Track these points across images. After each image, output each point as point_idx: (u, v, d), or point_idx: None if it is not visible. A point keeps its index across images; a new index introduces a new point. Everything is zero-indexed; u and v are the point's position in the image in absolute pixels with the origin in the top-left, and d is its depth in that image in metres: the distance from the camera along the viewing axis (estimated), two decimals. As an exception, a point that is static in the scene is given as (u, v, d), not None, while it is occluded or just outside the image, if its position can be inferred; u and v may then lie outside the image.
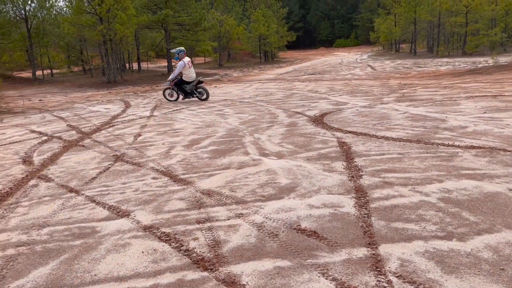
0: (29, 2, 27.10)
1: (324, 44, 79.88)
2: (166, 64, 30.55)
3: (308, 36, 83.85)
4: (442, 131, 6.17)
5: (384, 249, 2.78)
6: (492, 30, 30.01)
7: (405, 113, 8.04)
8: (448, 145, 5.29)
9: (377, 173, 4.38)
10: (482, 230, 2.95)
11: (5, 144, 7.23)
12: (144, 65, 35.04)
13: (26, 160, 5.96)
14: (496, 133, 5.82)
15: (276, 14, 48.45)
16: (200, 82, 12.40)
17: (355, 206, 3.55)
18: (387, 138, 5.95)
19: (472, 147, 5.12)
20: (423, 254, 2.68)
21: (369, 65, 26.06)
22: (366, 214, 3.37)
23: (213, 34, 33.86)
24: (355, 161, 4.88)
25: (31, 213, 3.84)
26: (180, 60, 11.84)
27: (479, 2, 28.81)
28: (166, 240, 3.12)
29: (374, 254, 2.72)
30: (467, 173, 4.17)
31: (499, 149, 4.94)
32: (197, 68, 35.54)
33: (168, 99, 12.58)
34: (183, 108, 10.94)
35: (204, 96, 12.46)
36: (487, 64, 19.81)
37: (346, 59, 35.36)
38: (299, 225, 3.23)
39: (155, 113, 10.30)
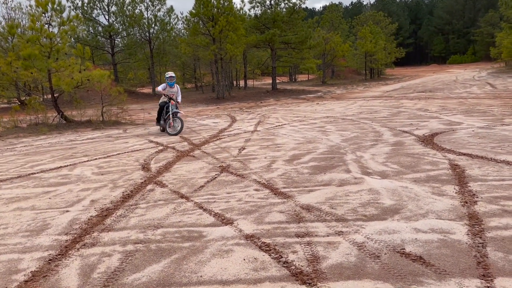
0: (153, 26, 30.23)
1: (436, 60, 75.28)
2: (270, 81, 31.47)
3: (419, 52, 79.82)
4: None
5: (501, 282, 2.52)
6: None
7: (531, 136, 7.18)
8: None
9: (495, 200, 3.98)
10: None
11: (128, 152, 8.10)
12: (250, 82, 36.54)
13: (145, 167, 6.60)
14: None
15: (384, 30, 47.08)
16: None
17: (468, 234, 3.27)
18: (508, 163, 5.38)
19: None
20: (550, 294, 2.37)
21: (489, 83, 23.80)
22: (480, 243, 3.09)
23: (318, 51, 34.06)
24: (470, 186, 4.50)
25: (148, 214, 4.24)
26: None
27: None
28: (266, 250, 3.22)
29: (488, 287, 2.48)
30: None
31: None
32: (301, 85, 36.01)
33: (169, 133, 10.43)
34: (285, 124, 11.15)
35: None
36: None
37: (462, 76, 32.76)
38: (403, 249, 3.08)
39: (258, 128, 10.67)
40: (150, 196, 4.90)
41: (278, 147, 7.71)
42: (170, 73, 10.96)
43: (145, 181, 5.65)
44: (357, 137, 8.31)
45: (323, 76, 37.82)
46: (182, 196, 4.79)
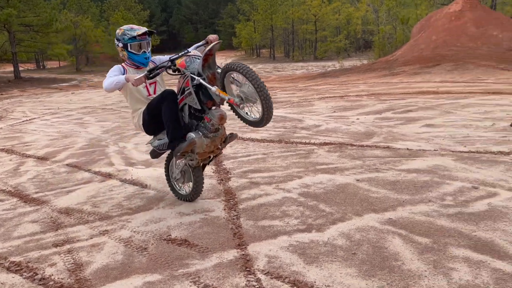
0: None
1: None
2: (12, 69, 27.11)
3: (173, 40, 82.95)
4: (300, 131, 6.68)
5: (252, 248, 2.88)
6: (337, 37, 33.81)
7: (267, 114, 8.50)
8: (305, 143, 5.76)
9: (244, 174, 4.53)
10: (336, 220, 3.27)
11: None
12: (-17, 70, 30.58)
13: None
14: (344, 130, 6.54)
15: (137, 17, 46.79)
16: None
17: (224, 209, 3.61)
18: (252, 140, 6.21)
19: (325, 144, 5.66)
20: (287, 249, 2.85)
21: (234, 69, 26.94)
22: (235, 215, 3.46)
23: (67, 36, 31.24)
24: (224, 164, 4.97)
25: None
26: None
27: (325, 12, 32.27)
28: (16, 270, 2.75)
29: (243, 254, 2.80)
30: (322, 168, 4.59)
31: (347, 144, 5.56)
32: (51, 73, 32.39)
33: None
34: (34, 118, 9.83)
35: None
36: (334, 68, 22.20)
37: (211, 63, 35.98)
38: (170, 235, 3.16)
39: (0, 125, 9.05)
40: None
41: (27, 146, 6.72)
42: (137, 29, 3.72)
43: None
44: (119, 127, 8.06)
45: (77, 62, 35.08)
46: None
